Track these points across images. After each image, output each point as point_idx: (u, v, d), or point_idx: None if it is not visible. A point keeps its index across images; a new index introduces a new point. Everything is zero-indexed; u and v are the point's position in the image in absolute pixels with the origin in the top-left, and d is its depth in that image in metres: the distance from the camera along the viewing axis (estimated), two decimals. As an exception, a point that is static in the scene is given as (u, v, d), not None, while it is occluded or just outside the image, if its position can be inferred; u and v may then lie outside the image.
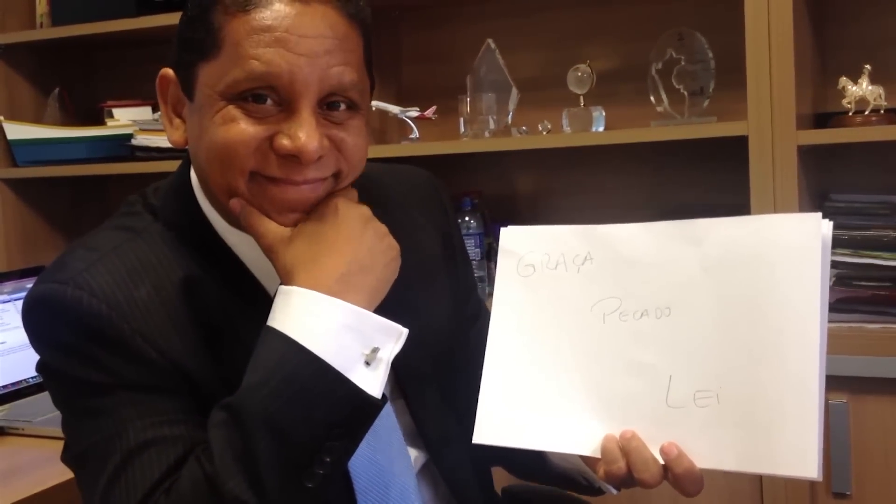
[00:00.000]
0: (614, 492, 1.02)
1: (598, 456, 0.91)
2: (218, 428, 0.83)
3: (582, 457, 0.97)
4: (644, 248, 0.94)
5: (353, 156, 0.93)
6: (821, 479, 0.83)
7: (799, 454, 0.84)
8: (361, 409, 0.84)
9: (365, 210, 0.93)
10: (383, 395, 0.86)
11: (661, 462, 0.89)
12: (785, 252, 0.88)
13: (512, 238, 1.00)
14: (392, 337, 0.88)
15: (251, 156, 0.88)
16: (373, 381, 0.85)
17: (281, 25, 0.87)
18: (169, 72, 0.96)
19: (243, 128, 0.88)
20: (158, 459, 0.85)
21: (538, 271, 0.98)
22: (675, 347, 0.91)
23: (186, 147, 0.96)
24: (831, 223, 0.88)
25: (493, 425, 0.95)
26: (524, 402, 0.95)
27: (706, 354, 0.89)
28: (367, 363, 0.85)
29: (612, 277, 0.95)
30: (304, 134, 0.87)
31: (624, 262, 0.95)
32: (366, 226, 0.92)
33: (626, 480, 0.91)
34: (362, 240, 0.90)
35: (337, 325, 0.84)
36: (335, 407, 0.83)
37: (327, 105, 0.90)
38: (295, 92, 0.87)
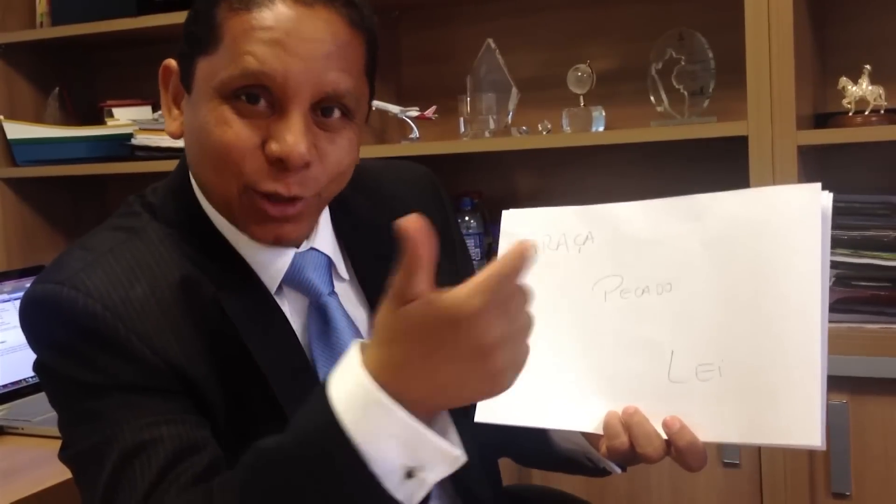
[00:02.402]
0: (618, 471, 1.02)
1: (601, 432, 0.91)
2: (242, 472, 0.80)
3: (585, 436, 0.98)
4: (644, 226, 0.94)
5: (333, 169, 0.92)
6: (824, 447, 0.83)
7: (802, 424, 0.84)
8: None
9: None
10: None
11: (664, 436, 0.89)
12: (784, 223, 0.89)
13: (513, 220, 1.00)
14: (446, 461, 0.74)
15: (244, 162, 0.88)
16: (408, 493, 0.75)
17: (280, 26, 0.86)
18: (172, 62, 0.96)
19: (237, 131, 0.88)
20: (157, 458, 0.85)
21: (539, 252, 0.98)
22: (677, 323, 0.91)
23: (181, 138, 0.96)
24: (831, 195, 0.89)
25: (495, 404, 0.94)
26: (526, 381, 0.94)
27: (708, 328, 0.90)
28: (409, 475, 0.74)
29: (613, 256, 0.95)
30: (293, 138, 0.87)
31: (624, 241, 0.95)
32: (478, 355, 0.71)
33: (629, 456, 0.91)
34: (468, 370, 0.72)
35: (392, 436, 0.72)
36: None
37: (321, 111, 0.90)
38: (288, 93, 0.87)
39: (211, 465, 0.87)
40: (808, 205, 0.88)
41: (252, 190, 0.89)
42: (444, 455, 0.75)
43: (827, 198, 0.88)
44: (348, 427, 0.72)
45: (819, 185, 0.89)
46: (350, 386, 0.73)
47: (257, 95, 0.87)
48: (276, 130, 0.88)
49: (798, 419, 0.84)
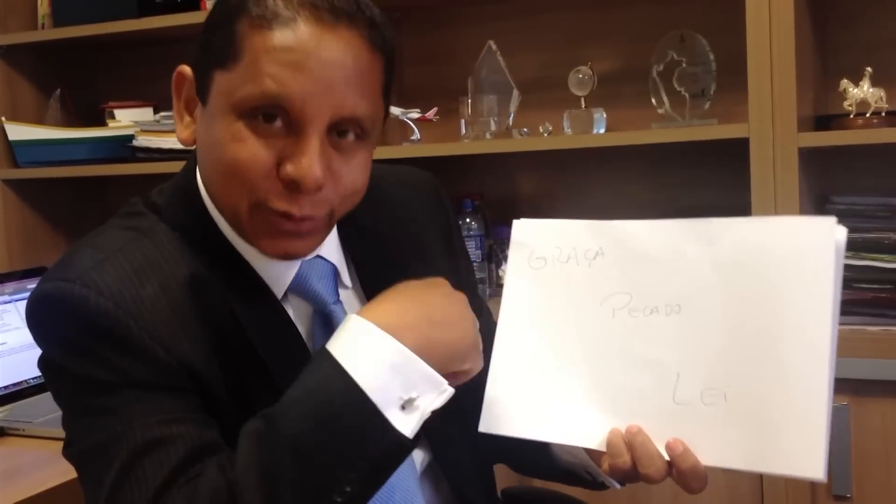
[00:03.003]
0: (618, 486, 1.02)
1: (603, 449, 0.92)
2: (249, 437, 0.83)
3: (587, 450, 0.98)
4: (656, 245, 0.94)
5: (346, 190, 0.92)
6: (826, 480, 0.84)
7: (805, 455, 0.84)
8: (390, 446, 0.83)
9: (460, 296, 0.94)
10: (414, 437, 0.84)
11: (666, 458, 0.89)
12: (797, 255, 0.88)
13: (524, 230, 1.00)
14: (435, 389, 0.86)
15: (258, 182, 0.88)
16: (405, 424, 0.83)
17: (302, 48, 0.85)
18: (186, 69, 0.95)
19: (252, 150, 0.87)
20: (168, 457, 0.85)
21: (549, 264, 0.98)
22: (684, 345, 0.91)
23: (193, 146, 0.96)
24: (846, 229, 0.88)
25: (499, 415, 0.95)
26: (530, 394, 0.95)
27: (715, 353, 0.89)
28: (403, 407, 0.83)
29: (624, 273, 0.95)
30: (308, 161, 0.86)
31: (636, 259, 0.95)
32: (450, 296, 0.92)
33: (631, 475, 0.91)
34: (441, 301, 0.90)
35: (383, 361, 0.83)
36: (364, 440, 0.82)
37: (337, 132, 0.90)
38: (306, 117, 0.86)
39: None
40: (823, 238, 0.87)
41: (264, 206, 0.89)
42: (433, 382, 0.85)
43: (841, 231, 0.88)
44: (344, 363, 0.82)
45: (834, 218, 0.88)
46: (344, 331, 0.85)
47: (274, 115, 0.87)
48: (292, 152, 0.87)
49: (802, 450, 0.84)
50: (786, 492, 1.68)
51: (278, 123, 0.87)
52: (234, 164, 0.88)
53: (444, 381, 0.86)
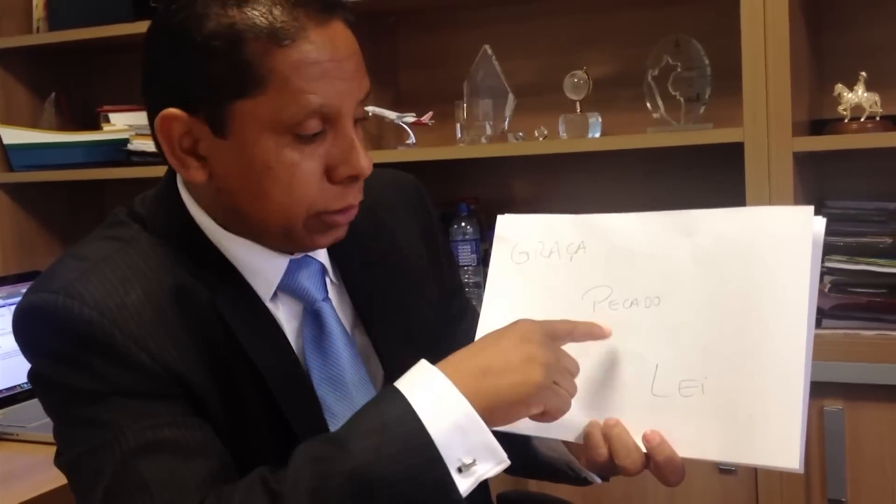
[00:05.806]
0: (598, 481, 1.03)
1: (582, 442, 0.92)
2: (309, 459, 0.82)
3: (567, 445, 0.98)
4: (637, 238, 0.95)
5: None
6: (802, 471, 0.84)
7: (781, 446, 0.84)
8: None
9: (536, 332, 0.88)
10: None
11: (643, 450, 0.89)
12: (775, 244, 0.89)
13: (508, 225, 1.01)
14: (494, 459, 0.84)
15: (316, 197, 0.91)
16: (462, 486, 0.82)
17: (323, 56, 0.88)
18: (176, 111, 0.89)
19: (304, 170, 0.89)
20: (165, 460, 0.85)
21: (532, 259, 0.99)
22: (663, 337, 0.91)
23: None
24: (824, 220, 0.89)
25: None
26: None
27: (693, 345, 0.90)
28: (460, 470, 0.82)
29: (604, 266, 0.95)
30: (359, 155, 0.91)
31: (616, 252, 0.95)
32: (522, 343, 0.87)
33: (608, 467, 0.92)
34: (510, 350, 0.86)
35: (454, 422, 0.82)
36: (424, 493, 0.81)
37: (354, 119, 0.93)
38: (342, 116, 0.90)
39: (220, 469, 0.87)
40: (800, 228, 0.88)
41: (322, 213, 0.92)
42: (493, 452, 0.83)
43: (819, 222, 0.88)
44: (420, 413, 0.81)
45: (812, 208, 0.88)
46: (424, 383, 0.83)
47: (318, 127, 0.89)
48: (339, 154, 0.91)
49: (778, 441, 0.84)
50: (781, 496, 1.69)
51: (319, 130, 0.90)
52: (290, 188, 0.90)
53: (502, 453, 0.84)
